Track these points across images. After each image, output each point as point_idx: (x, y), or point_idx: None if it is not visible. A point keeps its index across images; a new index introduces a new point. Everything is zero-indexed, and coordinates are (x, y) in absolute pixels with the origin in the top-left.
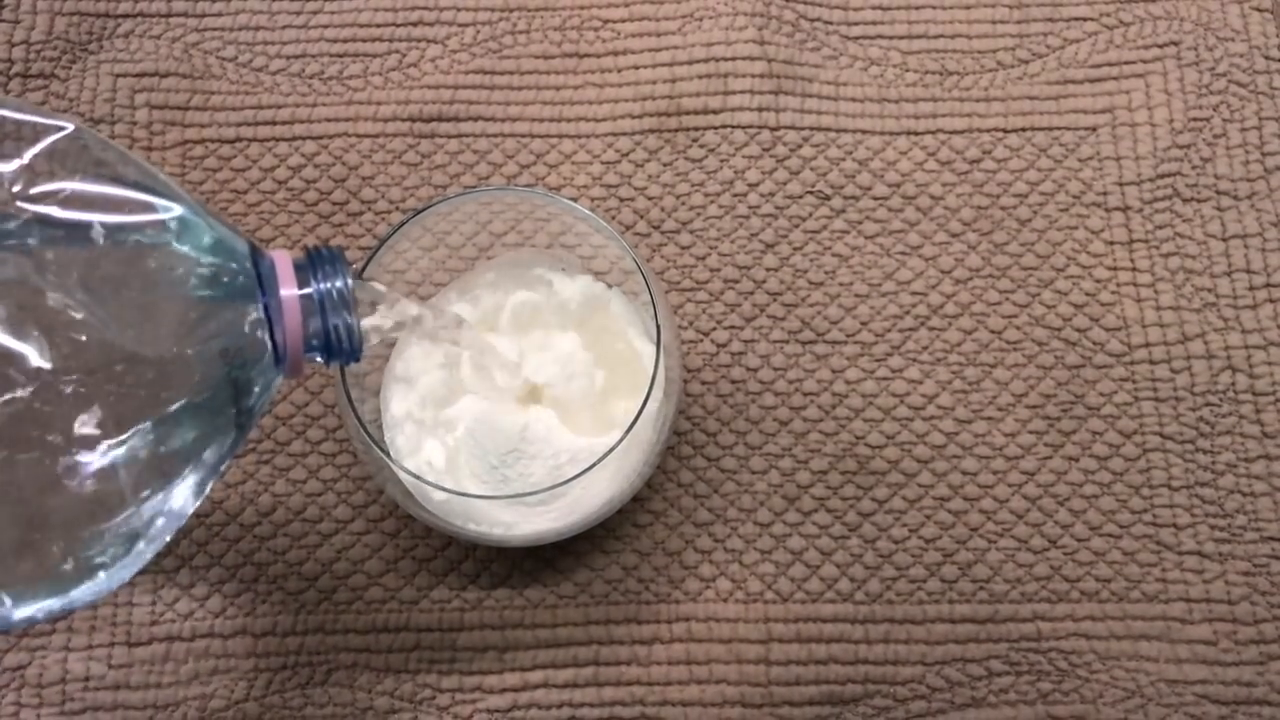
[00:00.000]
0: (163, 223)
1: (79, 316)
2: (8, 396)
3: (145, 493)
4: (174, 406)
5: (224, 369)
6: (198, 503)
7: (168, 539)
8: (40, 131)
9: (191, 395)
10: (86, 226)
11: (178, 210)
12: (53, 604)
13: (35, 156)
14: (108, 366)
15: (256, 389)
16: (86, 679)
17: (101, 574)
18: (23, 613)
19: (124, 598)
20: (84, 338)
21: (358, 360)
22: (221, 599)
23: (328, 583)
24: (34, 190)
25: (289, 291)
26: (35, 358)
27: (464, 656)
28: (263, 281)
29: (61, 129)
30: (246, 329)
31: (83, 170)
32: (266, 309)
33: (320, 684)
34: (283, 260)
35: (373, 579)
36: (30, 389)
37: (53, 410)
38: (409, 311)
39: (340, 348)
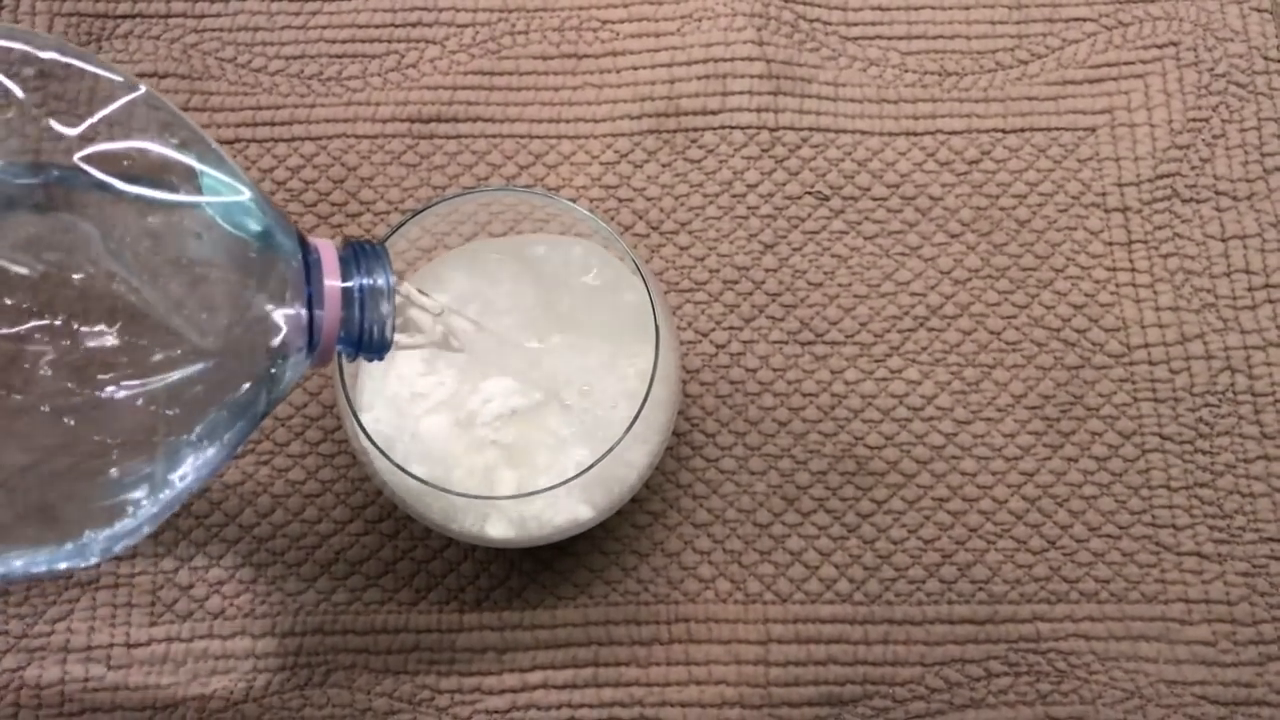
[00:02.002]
0: (220, 201)
1: (122, 278)
2: (17, 329)
3: (154, 456)
4: (202, 378)
5: (262, 351)
6: (203, 481)
7: (166, 514)
8: (111, 91)
9: (223, 370)
10: (144, 195)
11: (239, 190)
12: (32, 558)
13: (104, 116)
14: (144, 327)
15: (287, 374)
16: (85, 680)
17: (87, 534)
18: None
19: (123, 599)
20: (125, 296)
21: (381, 358)
22: (220, 600)
23: (326, 584)
24: (96, 150)
25: (333, 283)
26: (65, 305)
27: (463, 657)
28: (309, 269)
29: (134, 90)
30: (289, 314)
31: (148, 137)
32: (309, 297)
33: (319, 685)
34: (328, 250)
35: (371, 580)
36: (54, 329)
37: (70, 352)
38: (452, 321)
39: (370, 343)
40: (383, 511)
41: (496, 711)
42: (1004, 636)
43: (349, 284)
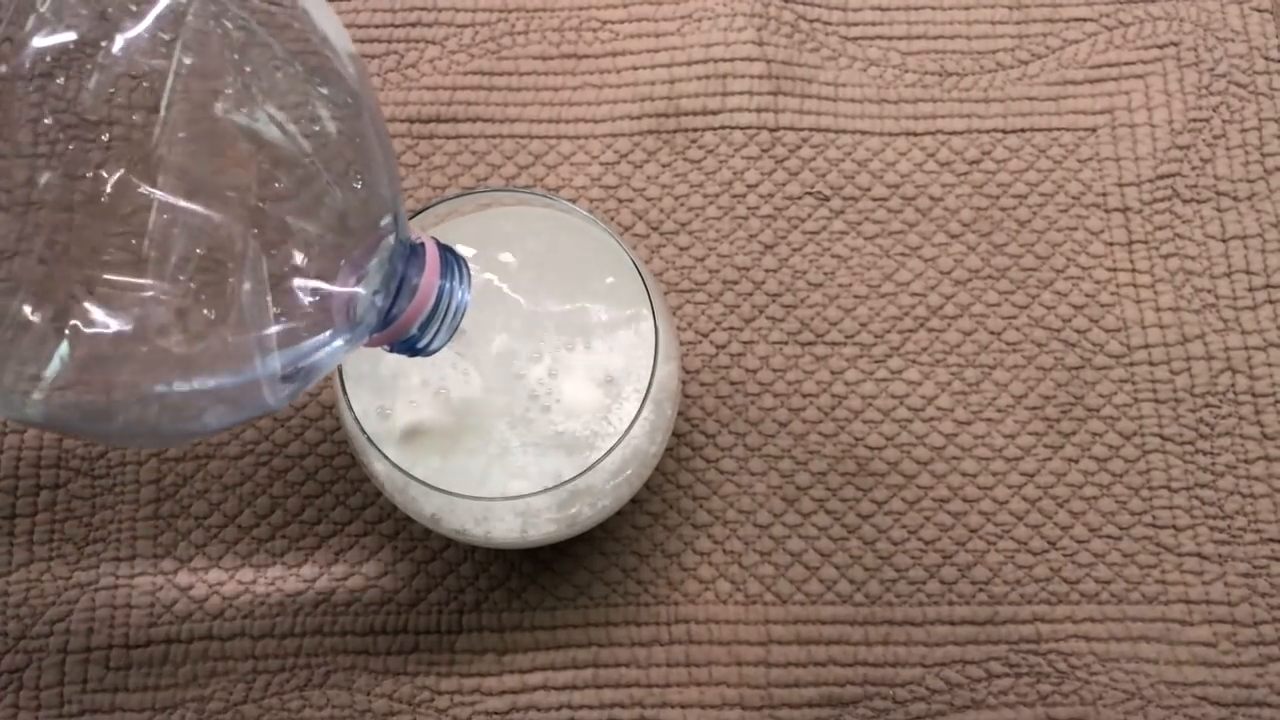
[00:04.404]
0: (366, 144)
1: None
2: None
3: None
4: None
5: (331, 312)
6: (204, 413)
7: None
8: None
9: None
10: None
11: (385, 153)
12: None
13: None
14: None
15: (337, 346)
16: (84, 681)
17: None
18: None
19: (122, 600)
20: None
21: (407, 355)
22: (220, 601)
23: (326, 585)
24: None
25: (432, 279)
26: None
27: (462, 659)
28: (409, 257)
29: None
30: (377, 298)
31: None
32: (400, 283)
33: (318, 686)
34: (432, 250)
35: (371, 581)
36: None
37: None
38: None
39: (420, 347)
40: (382, 512)
41: (496, 713)
42: (1004, 637)
43: (441, 283)
